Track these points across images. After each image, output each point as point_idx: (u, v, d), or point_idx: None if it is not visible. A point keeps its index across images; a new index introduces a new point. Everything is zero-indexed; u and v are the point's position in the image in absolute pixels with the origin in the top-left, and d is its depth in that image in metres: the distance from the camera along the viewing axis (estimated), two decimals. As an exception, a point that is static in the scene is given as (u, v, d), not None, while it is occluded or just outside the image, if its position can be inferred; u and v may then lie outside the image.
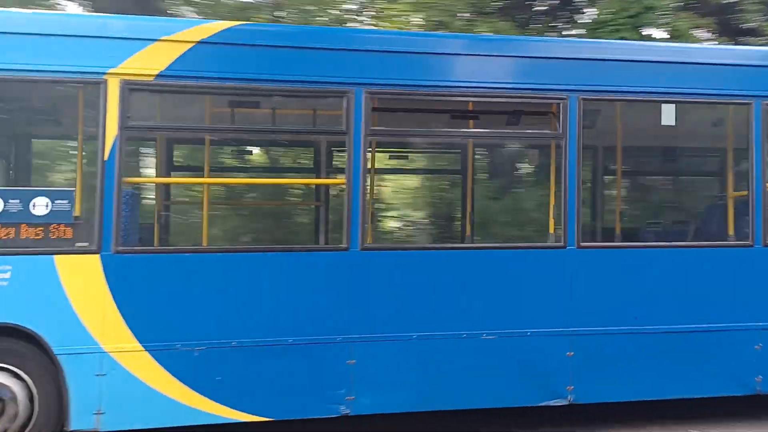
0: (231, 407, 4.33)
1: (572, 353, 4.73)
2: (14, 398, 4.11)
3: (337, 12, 10.63)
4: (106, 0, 8.83)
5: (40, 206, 4.15)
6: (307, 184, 7.81)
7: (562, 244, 4.73)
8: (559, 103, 4.71)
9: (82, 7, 9.99)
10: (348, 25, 10.57)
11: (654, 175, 8.03)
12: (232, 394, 4.33)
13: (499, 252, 4.92)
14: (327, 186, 6.29)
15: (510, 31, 8.78)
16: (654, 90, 4.86)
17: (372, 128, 4.55)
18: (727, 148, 5.51)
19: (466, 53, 4.76)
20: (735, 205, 5.27)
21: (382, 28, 10.03)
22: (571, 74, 4.76)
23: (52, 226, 4.16)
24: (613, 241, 6.04)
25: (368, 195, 4.65)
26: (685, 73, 4.91)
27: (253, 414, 4.36)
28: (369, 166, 4.72)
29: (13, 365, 4.13)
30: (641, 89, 4.85)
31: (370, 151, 5.16)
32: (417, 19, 10.33)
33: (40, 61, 4.14)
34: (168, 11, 9.61)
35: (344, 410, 4.44)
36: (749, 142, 4.96)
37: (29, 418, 4.15)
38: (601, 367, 4.79)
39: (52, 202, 4.16)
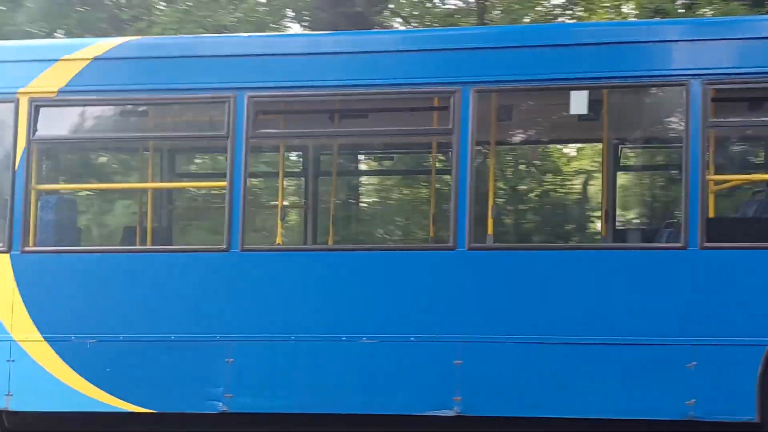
0: (118, 397, 4.62)
1: (460, 361, 4.38)
2: None
3: (544, 8, 10.42)
4: (323, 21, 9.90)
5: None
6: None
7: (451, 245, 4.43)
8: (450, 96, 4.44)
9: (302, 27, 11.28)
10: (558, 20, 10.32)
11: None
12: (119, 385, 4.62)
13: (378, 254, 4.73)
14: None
15: (738, 11, 7.61)
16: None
17: (255, 132, 4.62)
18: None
19: (338, 51, 4.66)
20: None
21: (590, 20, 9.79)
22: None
23: None
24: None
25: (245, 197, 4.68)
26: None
27: (137, 405, 4.61)
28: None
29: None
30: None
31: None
32: (629, 8, 10.01)
33: None
34: (384, 24, 10.42)
35: (222, 407, 4.52)
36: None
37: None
38: (493, 377, 4.39)
39: None
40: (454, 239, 4.40)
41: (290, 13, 11.04)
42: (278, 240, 4.90)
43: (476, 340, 4.37)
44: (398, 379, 4.43)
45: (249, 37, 6.67)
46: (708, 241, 4.26)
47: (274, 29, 10.22)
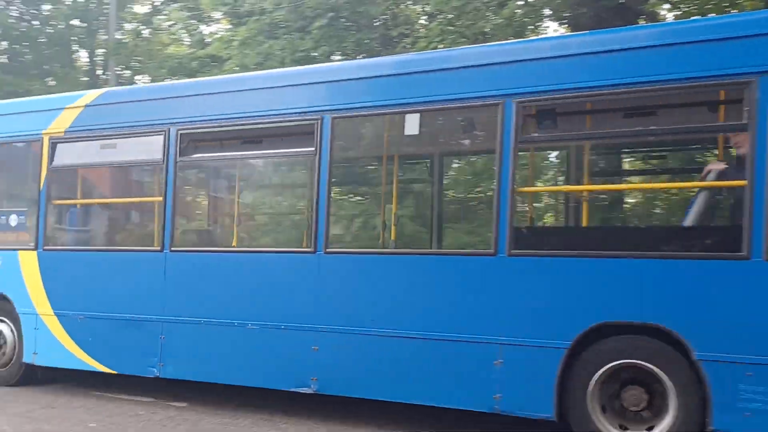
0: (95, 359, 6.22)
1: (317, 348, 5.20)
2: (6, 339, 6.72)
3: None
4: (586, 16, 9.22)
5: (13, 220, 6.71)
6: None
7: (311, 249, 5.28)
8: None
9: (560, 26, 11.19)
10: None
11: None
12: (97, 351, 6.20)
13: (258, 255, 5.68)
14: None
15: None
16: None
17: (181, 158, 5.89)
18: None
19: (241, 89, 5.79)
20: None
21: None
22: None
23: (19, 233, 6.68)
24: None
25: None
26: None
27: (106, 366, 6.16)
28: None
29: (3, 317, 6.75)
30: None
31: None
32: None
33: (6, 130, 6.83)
34: (650, 11, 9.84)
35: (156, 373, 5.87)
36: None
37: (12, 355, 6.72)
38: (342, 363, 5.14)
39: (18, 218, 6.67)
40: (315, 246, 5.27)
41: (547, 11, 10.67)
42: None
43: (329, 331, 5.19)
44: (273, 360, 5.41)
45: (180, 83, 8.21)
46: (515, 249, 4.61)
47: (532, 33, 10.36)
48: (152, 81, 17.48)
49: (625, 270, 4.44)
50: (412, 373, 4.92)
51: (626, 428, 4.42)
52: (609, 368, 4.43)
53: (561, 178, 6.11)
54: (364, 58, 10.96)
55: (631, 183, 6.98)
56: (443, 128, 6.12)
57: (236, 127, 5.78)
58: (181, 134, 5.87)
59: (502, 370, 4.65)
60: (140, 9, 19.33)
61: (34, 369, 6.66)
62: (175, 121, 5.89)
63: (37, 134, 6.64)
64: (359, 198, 8.63)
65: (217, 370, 5.67)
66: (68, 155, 6.63)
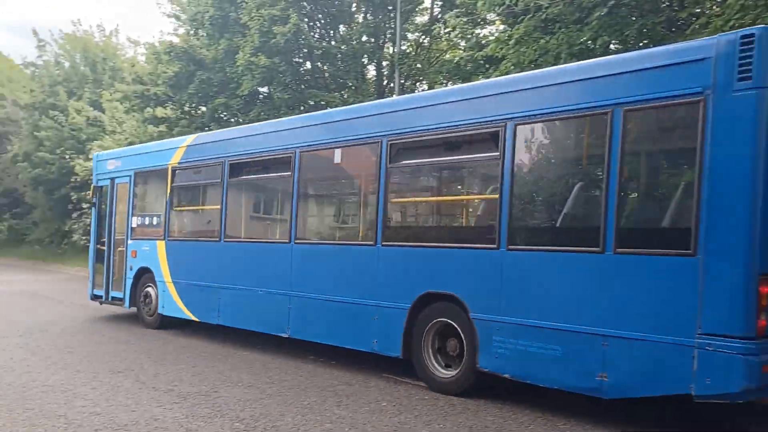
0: (192, 313, 10.17)
1: (290, 307, 8.70)
2: (152, 298, 11.04)
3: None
4: None
5: (155, 220, 11.06)
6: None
7: (287, 240, 8.89)
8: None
9: None
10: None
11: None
12: (193, 307, 10.14)
13: (256, 245, 9.77)
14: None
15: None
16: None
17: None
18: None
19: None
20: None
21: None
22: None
23: (157, 228, 10.99)
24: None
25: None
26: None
27: (198, 318, 10.28)
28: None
29: (150, 283, 11.08)
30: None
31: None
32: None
33: (152, 162, 11.35)
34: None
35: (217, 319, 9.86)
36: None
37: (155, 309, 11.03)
38: (310, 320, 8.47)
39: (157, 219, 10.99)
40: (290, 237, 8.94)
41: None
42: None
43: (296, 295, 8.66)
44: (268, 314, 9.06)
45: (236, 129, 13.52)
46: (384, 241, 7.67)
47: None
48: (429, 87, 19.68)
49: (428, 257, 7.17)
50: (333, 323, 8.17)
51: (450, 366, 7.07)
52: (433, 323, 7.08)
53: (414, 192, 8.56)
54: (646, 46, 10.54)
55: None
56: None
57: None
58: (230, 164, 9.78)
59: (376, 324, 7.60)
60: (421, 19, 21.14)
61: (165, 318, 10.90)
62: (228, 154, 9.86)
63: (165, 165, 11.04)
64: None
65: (246, 320, 9.48)
66: (181, 178, 10.74)
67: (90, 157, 29.87)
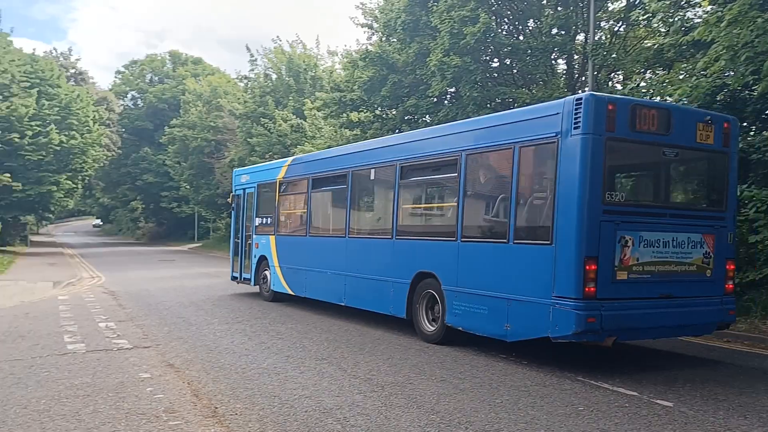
0: (290, 289, 13.87)
1: (345, 284, 11.86)
2: (267, 279, 14.31)
3: None
4: None
5: (267, 220, 14.80)
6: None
7: (344, 235, 12.04)
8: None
9: None
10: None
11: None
12: (291, 285, 13.84)
13: (326, 239, 13.02)
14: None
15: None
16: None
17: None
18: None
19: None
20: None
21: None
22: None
23: (270, 227, 14.98)
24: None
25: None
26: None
27: (294, 292, 13.69)
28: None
29: (266, 269, 14.93)
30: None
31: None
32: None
33: (267, 177, 15.33)
34: None
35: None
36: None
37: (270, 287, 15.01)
38: (356, 292, 11.63)
39: (269, 219, 15.11)
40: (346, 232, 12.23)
41: None
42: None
43: (349, 275, 11.77)
44: (333, 289, 12.28)
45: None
46: (397, 236, 10.75)
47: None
48: (625, 77, 19.10)
49: (421, 246, 10.18)
50: (368, 294, 11.28)
51: (434, 323, 9.85)
52: (424, 293, 9.92)
53: (412, 201, 11.17)
54: None
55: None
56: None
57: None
58: (312, 179, 13.39)
59: (391, 294, 10.54)
60: (616, 5, 19.74)
61: (276, 294, 14.55)
62: (311, 172, 13.54)
63: (274, 180, 14.73)
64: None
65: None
66: (284, 189, 14.51)
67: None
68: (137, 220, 73.11)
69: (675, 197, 9.02)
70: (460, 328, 9.10)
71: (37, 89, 35.29)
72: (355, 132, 24.82)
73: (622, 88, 18.02)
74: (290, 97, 37.81)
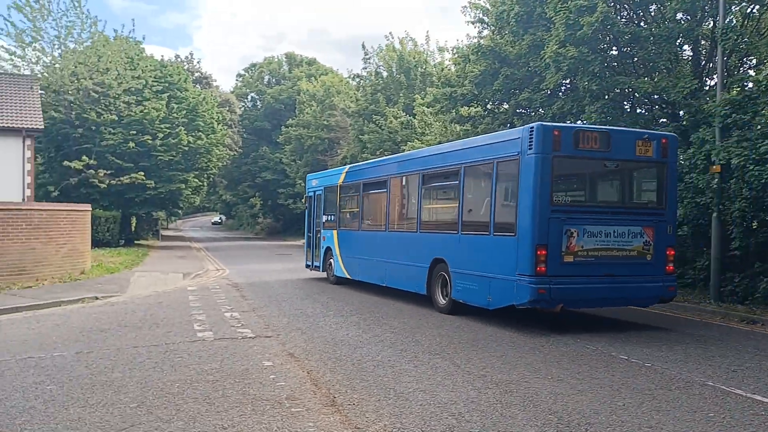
0: (348, 274, 17.07)
1: (386, 269, 14.81)
2: (333, 266, 18.22)
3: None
4: None
5: (331, 218, 18.53)
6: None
7: (385, 229, 15.08)
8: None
9: None
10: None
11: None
12: (349, 270, 17.06)
13: (373, 232, 15.98)
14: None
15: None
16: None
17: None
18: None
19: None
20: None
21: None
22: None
23: (332, 223, 18.46)
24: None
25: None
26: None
27: (351, 276, 16.93)
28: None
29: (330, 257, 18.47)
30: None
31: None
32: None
33: (331, 182, 18.76)
34: None
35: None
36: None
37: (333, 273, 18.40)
38: (393, 275, 14.49)
39: (333, 216, 18.60)
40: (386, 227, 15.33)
41: None
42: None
43: (388, 262, 14.75)
44: (377, 272, 15.38)
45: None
46: (420, 230, 13.69)
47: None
48: (758, 62, 17.74)
49: (436, 238, 12.74)
50: (402, 276, 13.91)
51: (445, 298, 12.30)
52: (438, 274, 12.44)
53: (430, 202, 13.81)
54: None
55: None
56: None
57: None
58: (363, 184, 16.42)
59: (415, 275, 13.16)
60: None
61: (339, 279, 17.71)
62: (362, 179, 16.56)
63: (336, 184, 17.88)
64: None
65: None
66: (343, 192, 17.52)
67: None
68: (256, 216, 76.45)
69: (617, 198, 11.44)
70: (461, 301, 11.75)
71: (167, 93, 37.68)
72: (465, 127, 24.65)
73: (756, 74, 16.72)
74: (401, 94, 38.21)
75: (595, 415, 5.85)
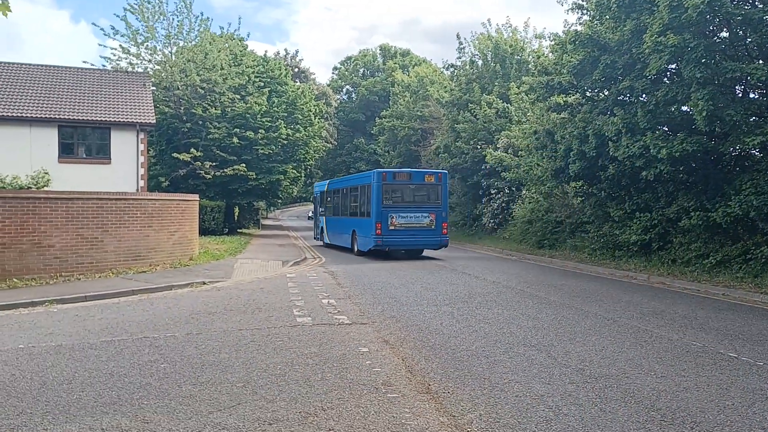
0: (331, 242, 29.88)
1: (353, 238, 26.46)
2: (322, 233, 31.18)
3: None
4: None
5: (324, 209, 31.40)
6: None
7: (347, 215, 27.62)
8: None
9: None
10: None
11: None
12: (331, 239, 29.88)
13: (341, 217, 28.77)
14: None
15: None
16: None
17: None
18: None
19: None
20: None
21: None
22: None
23: (325, 212, 31.59)
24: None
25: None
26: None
27: (331, 242, 30.18)
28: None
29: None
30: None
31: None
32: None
33: (322, 189, 32.34)
34: None
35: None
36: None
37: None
38: (342, 240, 27.82)
39: (325, 209, 31.31)
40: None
41: None
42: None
43: (344, 233, 27.79)
44: (344, 242, 27.52)
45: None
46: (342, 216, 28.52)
47: None
48: None
49: (350, 220, 26.64)
50: (345, 240, 27.26)
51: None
52: (354, 237, 25.91)
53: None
54: None
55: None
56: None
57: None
58: (327, 190, 31.13)
59: (347, 239, 26.71)
60: None
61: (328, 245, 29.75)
62: (335, 187, 30.09)
63: (324, 189, 31.33)
64: None
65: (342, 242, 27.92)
66: (327, 195, 30.59)
67: (498, 146, 32.48)
68: (351, 206, 77.76)
69: (415, 200, 23.72)
70: (357, 248, 24.95)
71: (269, 88, 38.98)
72: (562, 115, 23.98)
73: None
74: (495, 83, 37.63)
75: (702, 414, 5.59)
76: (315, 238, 32.98)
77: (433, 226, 23.41)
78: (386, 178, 23.42)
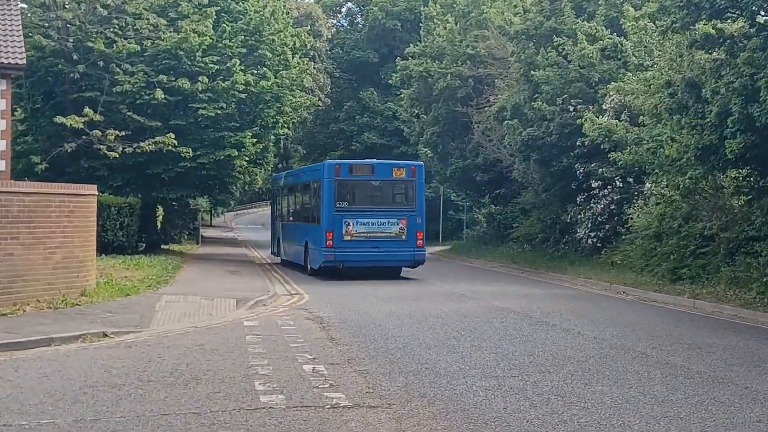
0: (284, 257, 40.11)
1: (306, 250, 34.14)
2: (280, 248, 42.64)
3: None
4: None
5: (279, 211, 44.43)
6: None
7: (301, 222, 37.14)
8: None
9: None
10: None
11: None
12: (285, 254, 39.70)
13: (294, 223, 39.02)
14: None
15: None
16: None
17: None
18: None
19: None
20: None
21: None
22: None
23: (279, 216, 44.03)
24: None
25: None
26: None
27: (286, 258, 39.96)
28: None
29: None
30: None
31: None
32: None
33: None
34: None
35: (305, 267, 34.86)
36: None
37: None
38: (290, 251, 38.45)
39: (279, 211, 44.42)
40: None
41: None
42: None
43: (306, 245, 34.77)
44: (298, 255, 35.77)
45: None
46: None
47: None
48: None
49: (303, 227, 35.05)
50: (297, 253, 35.77)
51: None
52: (308, 249, 33.43)
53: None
54: None
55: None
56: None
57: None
58: (283, 185, 43.47)
59: (305, 252, 33.42)
60: None
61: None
62: (288, 183, 42.01)
63: (281, 185, 43.04)
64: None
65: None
66: (282, 192, 42.36)
67: (604, 108, 32.08)
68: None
69: (381, 201, 30.76)
70: (309, 266, 32.00)
71: (216, 8, 38.10)
72: (715, 55, 23.80)
73: None
74: (600, 2, 37.45)
75: None
76: (272, 253, 41.28)
77: (404, 236, 29.33)
78: (340, 171, 29.86)
